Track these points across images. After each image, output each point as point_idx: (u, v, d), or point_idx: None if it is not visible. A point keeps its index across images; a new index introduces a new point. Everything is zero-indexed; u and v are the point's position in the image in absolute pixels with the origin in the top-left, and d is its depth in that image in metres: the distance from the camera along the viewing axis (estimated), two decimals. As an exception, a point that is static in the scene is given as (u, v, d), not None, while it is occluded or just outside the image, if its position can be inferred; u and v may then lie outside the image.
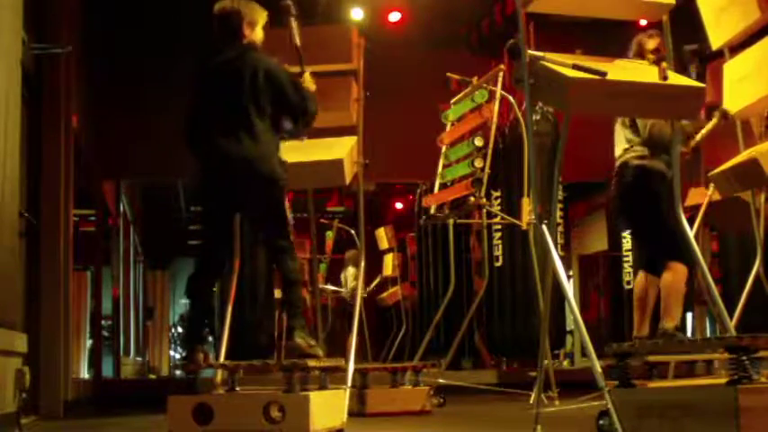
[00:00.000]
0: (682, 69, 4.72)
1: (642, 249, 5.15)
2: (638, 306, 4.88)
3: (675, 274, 4.71)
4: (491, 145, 6.49)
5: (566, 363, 12.89)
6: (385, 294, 12.36)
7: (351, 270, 11.73)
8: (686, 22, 4.65)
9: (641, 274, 4.93)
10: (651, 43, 4.71)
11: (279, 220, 4.37)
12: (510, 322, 9.15)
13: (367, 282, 11.62)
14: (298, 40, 4.72)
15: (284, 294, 4.37)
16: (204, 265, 4.45)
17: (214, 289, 4.76)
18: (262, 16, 4.49)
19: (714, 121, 4.89)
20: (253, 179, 4.26)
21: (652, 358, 3.95)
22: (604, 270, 14.54)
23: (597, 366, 3.29)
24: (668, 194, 4.22)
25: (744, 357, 2.91)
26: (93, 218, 10.98)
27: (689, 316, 9.97)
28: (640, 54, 4.69)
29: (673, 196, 4.06)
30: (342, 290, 11.71)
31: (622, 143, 4.90)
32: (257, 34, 4.46)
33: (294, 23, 4.76)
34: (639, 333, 4.84)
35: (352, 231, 10.21)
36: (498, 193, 8.98)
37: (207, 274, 4.45)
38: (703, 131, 4.96)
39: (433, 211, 7.05)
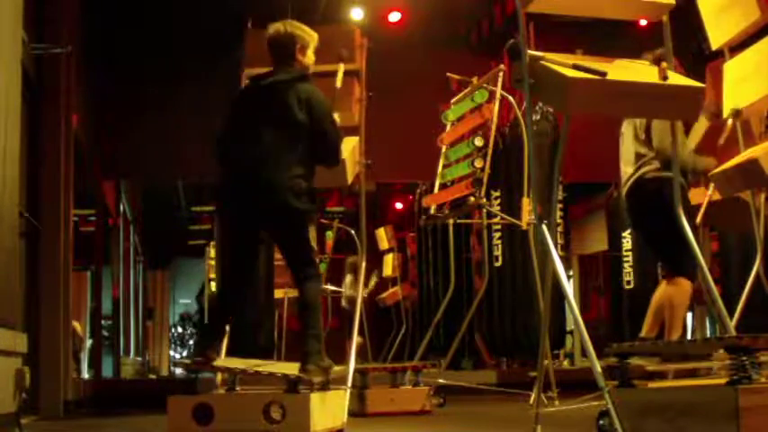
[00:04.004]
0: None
1: (662, 260, 5.18)
2: (654, 311, 4.90)
3: (681, 289, 4.74)
4: (491, 145, 6.48)
5: (566, 363, 12.89)
6: (385, 294, 12.36)
7: (349, 278, 11.77)
8: (686, 22, 4.65)
9: (664, 283, 4.95)
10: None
11: (301, 248, 4.35)
12: (510, 322, 9.15)
13: (364, 283, 11.64)
14: (339, 83, 5.03)
15: (301, 317, 4.29)
16: (233, 279, 4.44)
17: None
18: (313, 39, 4.51)
19: (730, 123, 4.93)
20: (277, 207, 4.23)
21: (652, 368, 3.95)
22: (604, 270, 14.54)
23: (597, 366, 3.28)
24: (686, 205, 4.21)
25: (744, 357, 2.90)
26: (93, 218, 10.98)
27: (689, 316, 9.97)
28: None
29: (689, 207, 4.06)
30: (341, 290, 11.72)
31: (631, 157, 4.89)
32: (309, 58, 4.49)
33: (342, 68, 5.08)
34: (648, 335, 4.86)
35: (353, 231, 10.21)
36: (498, 193, 8.98)
37: (237, 286, 4.44)
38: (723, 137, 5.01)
39: (433, 211, 7.05)
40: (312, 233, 4.56)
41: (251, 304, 9.23)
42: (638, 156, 4.85)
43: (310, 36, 4.50)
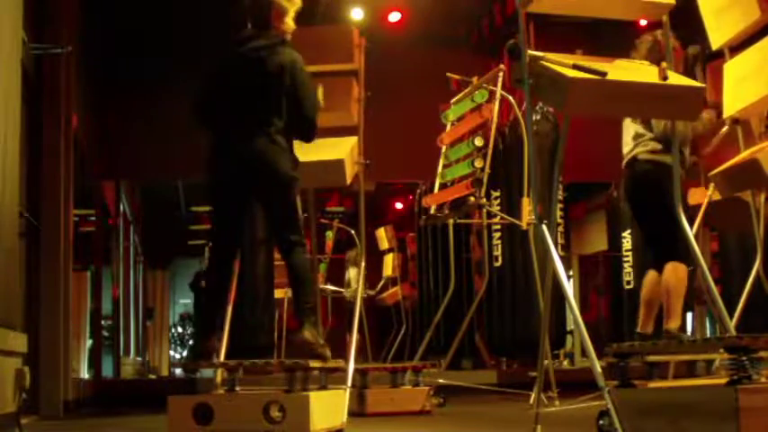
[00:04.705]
0: (687, 71, 4.69)
1: (651, 248, 5.14)
2: (645, 304, 4.87)
3: (677, 274, 4.70)
4: (491, 145, 6.48)
5: (566, 363, 12.89)
6: (385, 294, 12.36)
7: (352, 271, 11.74)
8: (686, 22, 4.65)
9: (651, 273, 4.91)
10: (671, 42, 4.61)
11: (290, 216, 4.37)
12: (510, 322, 9.15)
13: (371, 284, 11.66)
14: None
15: (293, 290, 4.33)
16: (218, 256, 4.44)
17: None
18: (293, 5, 4.45)
19: (726, 128, 4.90)
20: (266, 178, 4.26)
21: (652, 358, 3.94)
22: (604, 270, 14.54)
23: (597, 366, 3.29)
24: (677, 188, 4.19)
25: (744, 357, 2.90)
26: (93, 218, 10.97)
27: (689, 316, 9.97)
28: (657, 54, 4.56)
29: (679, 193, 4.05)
30: (342, 290, 11.71)
31: (630, 138, 4.87)
32: (288, 25, 4.44)
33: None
34: (643, 330, 4.84)
35: (352, 231, 10.20)
36: (498, 193, 8.98)
37: (222, 265, 4.43)
38: (715, 141, 4.98)
39: (433, 211, 7.04)
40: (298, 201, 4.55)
41: (251, 304, 9.24)
42: (637, 135, 4.83)
43: (290, 2, 4.44)
